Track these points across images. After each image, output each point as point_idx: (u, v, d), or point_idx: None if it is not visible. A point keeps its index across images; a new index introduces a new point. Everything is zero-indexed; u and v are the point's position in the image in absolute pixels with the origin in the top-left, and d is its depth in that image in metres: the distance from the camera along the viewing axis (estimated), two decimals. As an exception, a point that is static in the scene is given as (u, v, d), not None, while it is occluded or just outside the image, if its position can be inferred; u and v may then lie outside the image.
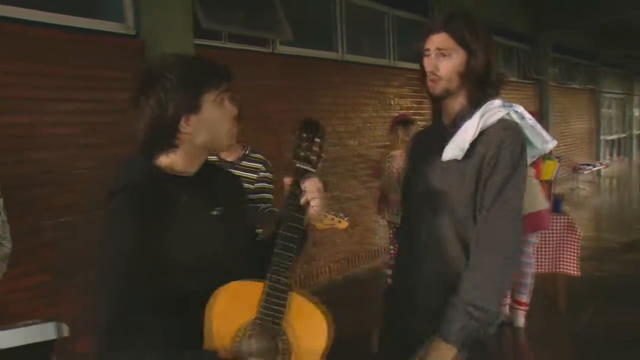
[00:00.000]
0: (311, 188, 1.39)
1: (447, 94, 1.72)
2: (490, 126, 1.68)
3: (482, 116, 1.68)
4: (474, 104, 1.72)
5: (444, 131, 1.77)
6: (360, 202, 6.27)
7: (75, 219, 3.53)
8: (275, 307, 1.36)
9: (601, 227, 8.30)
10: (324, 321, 1.41)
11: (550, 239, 4.63)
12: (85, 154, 3.62)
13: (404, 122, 4.72)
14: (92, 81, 3.68)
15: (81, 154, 3.60)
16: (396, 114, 5.88)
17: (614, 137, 17.59)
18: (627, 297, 4.98)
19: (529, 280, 4.38)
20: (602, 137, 16.10)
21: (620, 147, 18.26)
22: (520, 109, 1.74)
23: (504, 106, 1.72)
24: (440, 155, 1.73)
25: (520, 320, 4.41)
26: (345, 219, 3.35)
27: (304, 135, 1.47)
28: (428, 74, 1.72)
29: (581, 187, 11.87)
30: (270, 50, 5.20)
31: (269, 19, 4.93)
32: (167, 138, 1.37)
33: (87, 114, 3.65)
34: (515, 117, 1.72)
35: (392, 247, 4.77)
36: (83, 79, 3.63)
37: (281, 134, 5.05)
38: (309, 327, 1.40)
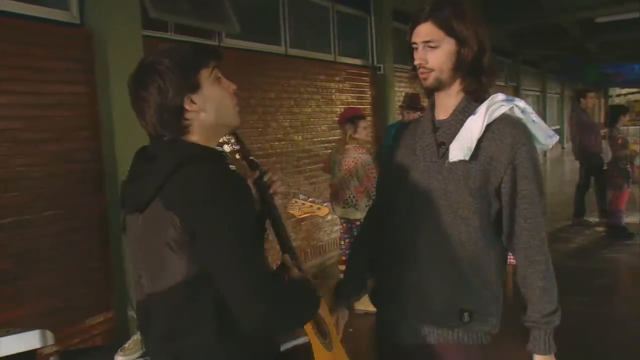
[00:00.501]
0: (275, 177, 1.61)
1: (440, 84, 1.63)
2: (494, 122, 1.59)
3: (487, 111, 1.58)
4: (472, 96, 1.64)
5: (438, 127, 1.67)
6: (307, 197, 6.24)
7: (19, 219, 3.29)
8: None
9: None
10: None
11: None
12: (27, 150, 3.38)
13: (351, 118, 4.73)
14: (33, 72, 3.43)
15: (22, 150, 3.36)
16: (341, 109, 5.89)
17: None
18: (563, 286, 5.21)
19: None
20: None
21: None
22: (522, 103, 1.65)
23: (506, 100, 1.62)
24: (436, 153, 1.65)
25: None
26: (325, 204, 3.30)
27: (230, 137, 1.63)
28: (418, 68, 1.64)
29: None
30: (216, 43, 5.06)
31: (216, 10, 4.80)
32: (175, 121, 1.36)
33: (29, 107, 3.40)
34: (517, 111, 1.63)
35: (342, 242, 4.78)
36: (23, 69, 3.38)
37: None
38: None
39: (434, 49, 1.59)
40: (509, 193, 1.59)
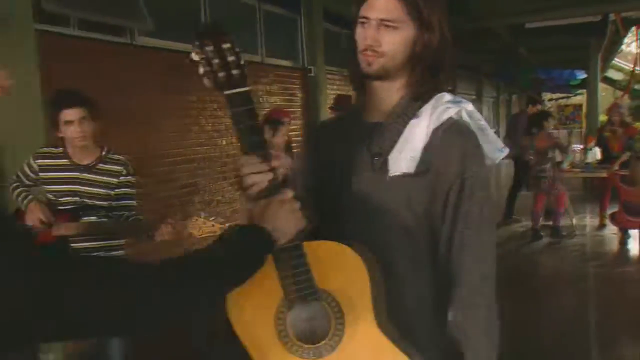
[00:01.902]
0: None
1: (386, 74, 1.32)
2: (439, 128, 1.31)
3: (431, 114, 1.31)
4: (416, 96, 1.34)
5: (370, 130, 1.36)
6: (231, 205, 5.95)
7: None
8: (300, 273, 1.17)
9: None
10: (352, 254, 1.19)
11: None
12: None
13: (271, 121, 4.45)
14: None
15: None
16: (266, 112, 5.63)
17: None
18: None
19: None
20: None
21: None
22: (470, 106, 1.37)
23: (453, 102, 1.35)
24: (370, 165, 1.34)
25: None
26: (228, 225, 2.99)
27: (210, 48, 1.10)
28: (364, 48, 1.30)
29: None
30: (129, 41, 4.71)
31: (125, 5, 4.44)
32: None
33: None
34: (465, 115, 1.36)
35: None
36: None
37: (143, 132, 4.61)
38: (340, 267, 1.19)
39: (391, 30, 1.28)
40: (452, 213, 1.32)
